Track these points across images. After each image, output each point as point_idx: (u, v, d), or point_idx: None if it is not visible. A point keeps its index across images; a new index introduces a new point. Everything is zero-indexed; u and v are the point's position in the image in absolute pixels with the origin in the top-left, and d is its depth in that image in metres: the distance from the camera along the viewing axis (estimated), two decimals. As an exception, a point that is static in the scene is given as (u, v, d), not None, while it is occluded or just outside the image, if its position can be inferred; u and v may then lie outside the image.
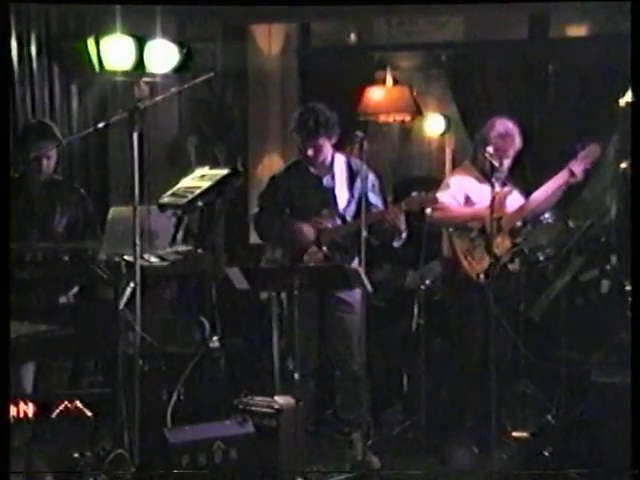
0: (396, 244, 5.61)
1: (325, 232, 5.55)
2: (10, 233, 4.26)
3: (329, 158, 5.63)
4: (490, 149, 5.56)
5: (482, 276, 5.60)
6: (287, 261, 5.54)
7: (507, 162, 5.67)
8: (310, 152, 5.55)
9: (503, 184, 5.67)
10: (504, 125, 5.70)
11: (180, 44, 6.89)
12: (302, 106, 5.81)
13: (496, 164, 5.51)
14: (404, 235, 5.56)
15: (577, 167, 5.58)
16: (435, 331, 6.03)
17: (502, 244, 5.51)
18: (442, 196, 5.58)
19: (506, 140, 5.65)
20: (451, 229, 5.72)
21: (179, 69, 6.90)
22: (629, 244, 4.56)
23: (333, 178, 5.66)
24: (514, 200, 5.72)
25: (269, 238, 5.71)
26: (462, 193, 5.71)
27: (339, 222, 5.60)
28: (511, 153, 5.67)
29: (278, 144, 8.21)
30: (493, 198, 5.39)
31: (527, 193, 5.76)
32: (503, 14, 7.52)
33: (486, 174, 5.66)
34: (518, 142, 5.69)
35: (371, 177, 5.59)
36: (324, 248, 5.54)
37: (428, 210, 5.59)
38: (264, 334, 6.01)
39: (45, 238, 5.35)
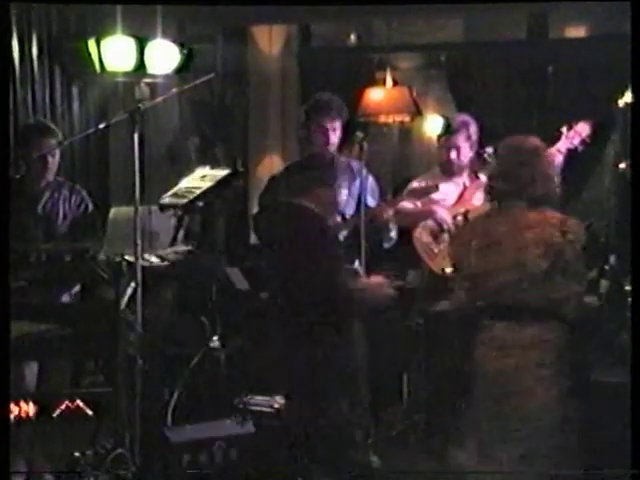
0: (386, 245, 5.63)
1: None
2: (10, 233, 4.27)
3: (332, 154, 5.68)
4: (451, 147, 5.68)
5: (448, 270, 5.64)
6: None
7: (464, 154, 5.72)
8: (326, 134, 5.57)
9: (474, 177, 5.73)
10: (456, 119, 5.77)
11: (181, 45, 6.90)
12: (311, 98, 5.85)
13: (453, 157, 5.59)
14: (393, 234, 5.59)
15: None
16: (435, 331, 6.03)
17: None
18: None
19: (459, 133, 5.70)
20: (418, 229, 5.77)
21: (180, 70, 6.91)
22: (628, 244, 4.57)
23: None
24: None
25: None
26: None
27: (339, 220, 5.62)
28: (466, 145, 5.72)
29: (278, 144, 8.22)
30: (461, 193, 5.43)
31: None
32: (502, 15, 7.53)
33: (448, 171, 5.72)
34: (473, 134, 5.74)
35: (370, 180, 5.61)
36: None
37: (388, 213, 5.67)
38: (264, 334, 6.00)
39: (47, 239, 5.36)
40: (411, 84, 8.34)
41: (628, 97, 6.18)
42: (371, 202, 5.57)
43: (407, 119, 8.36)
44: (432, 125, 8.87)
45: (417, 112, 8.29)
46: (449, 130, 5.85)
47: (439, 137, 5.93)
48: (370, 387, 5.66)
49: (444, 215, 5.71)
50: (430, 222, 5.76)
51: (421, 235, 5.78)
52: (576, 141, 5.63)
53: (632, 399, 4.37)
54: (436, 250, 5.73)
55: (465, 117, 5.83)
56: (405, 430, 5.93)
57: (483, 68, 7.97)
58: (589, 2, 6.64)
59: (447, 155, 5.78)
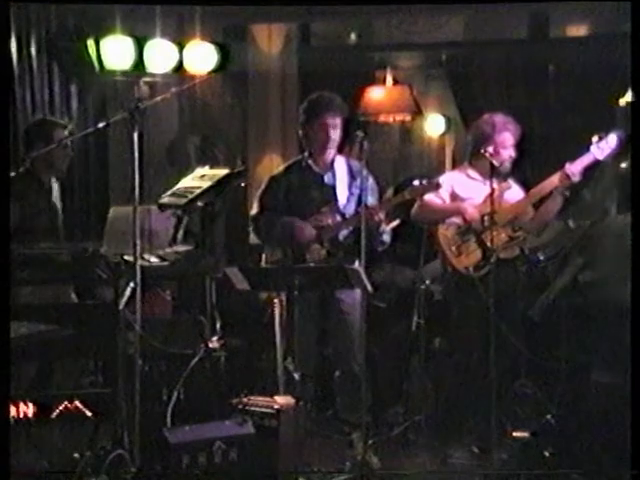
0: (379, 248, 5.63)
1: (327, 229, 5.57)
2: (10, 233, 4.26)
3: (332, 155, 5.67)
4: (491, 148, 5.62)
5: (471, 269, 5.63)
6: (288, 261, 5.55)
7: (511, 155, 5.71)
8: (327, 131, 5.59)
9: (503, 179, 5.70)
10: (503, 119, 5.75)
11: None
12: (311, 95, 5.83)
13: (496, 162, 5.53)
14: (386, 237, 5.59)
15: (574, 167, 5.61)
16: (435, 331, 6.03)
17: (497, 237, 5.51)
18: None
19: (508, 134, 5.70)
20: (444, 225, 5.76)
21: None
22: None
23: (334, 176, 5.69)
24: (513, 195, 5.75)
25: (268, 239, 5.71)
26: (446, 190, 5.73)
27: (339, 219, 5.62)
28: (513, 145, 5.71)
29: (278, 144, 8.22)
30: (490, 194, 5.43)
31: (527, 189, 5.81)
32: (503, 14, 7.53)
33: (486, 172, 5.68)
34: (518, 133, 5.74)
35: (370, 181, 5.61)
36: (326, 245, 5.55)
37: (413, 209, 5.69)
38: (264, 334, 6.00)
39: (48, 238, 5.36)
40: (411, 83, 8.35)
41: (628, 97, 6.17)
42: (371, 202, 5.57)
43: (407, 118, 8.37)
44: (433, 124, 8.88)
45: (417, 111, 8.29)
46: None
47: (482, 141, 5.77)
48: (370, 387, 5.68)
49: (475, 214, 5.68)
50: (457, 219, 5.74)
51: (447, 231, 5.76)
52: (605, 154, 5.58)
53: (632, 399, 4.37)
54: (462, 248, 5.71)
55: (503, 118, 5.76)
56: (405, 430, 5.93)
57: (484, 67, 7.96)
58: (589, 2, 6.64)
59: (490, 159, 5.52)
